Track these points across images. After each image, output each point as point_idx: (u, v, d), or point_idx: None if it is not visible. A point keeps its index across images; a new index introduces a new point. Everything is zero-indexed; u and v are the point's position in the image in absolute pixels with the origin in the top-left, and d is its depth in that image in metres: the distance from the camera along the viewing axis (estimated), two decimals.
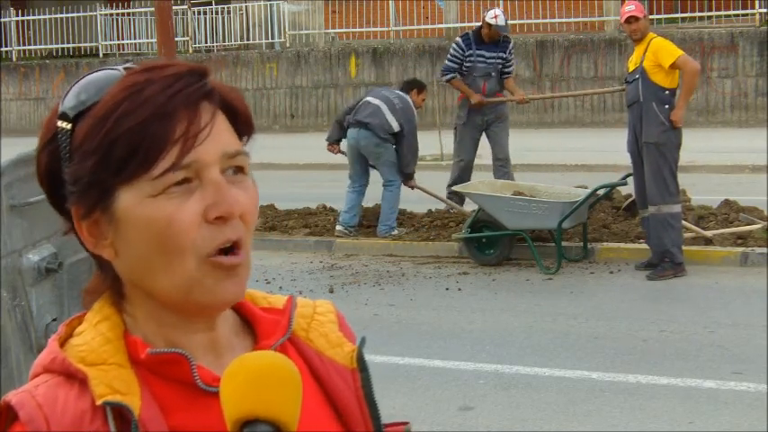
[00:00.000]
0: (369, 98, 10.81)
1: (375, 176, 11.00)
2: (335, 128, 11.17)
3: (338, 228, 10.92)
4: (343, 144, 11.10)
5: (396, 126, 10.55)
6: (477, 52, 11.33)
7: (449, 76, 11.38)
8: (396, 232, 10.77)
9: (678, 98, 9.02)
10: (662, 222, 8.97)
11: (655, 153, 8.93)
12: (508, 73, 11.55)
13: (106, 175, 1.20)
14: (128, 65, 1.26)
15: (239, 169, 1.23)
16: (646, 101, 8.95)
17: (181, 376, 1.23)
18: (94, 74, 1.25)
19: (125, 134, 1.18)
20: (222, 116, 1.23)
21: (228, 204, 1.19)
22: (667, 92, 8.93)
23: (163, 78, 1.20)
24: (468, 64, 11.30)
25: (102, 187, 1.21)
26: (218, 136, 1.20)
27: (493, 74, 11.36)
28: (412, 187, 10.90)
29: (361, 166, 10.88)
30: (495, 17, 11.29)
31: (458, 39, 11.71)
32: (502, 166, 11.55)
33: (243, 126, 1.26)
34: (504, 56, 11.49)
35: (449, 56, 11.53)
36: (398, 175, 10.73)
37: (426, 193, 11.06)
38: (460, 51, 11.36)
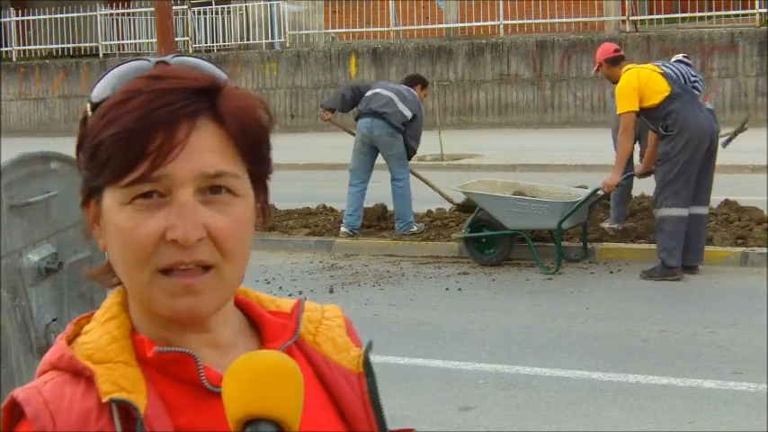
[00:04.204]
0: (379, 90, 10.84)
1: (375, 176, 11.00)
2: (338, 98, 11.19)
3: (343, 230, 10.92)
4: (338, 117, 11.34)
5: (409, 114, 10.67)
6: None
7: None
8: (415, 228, 10.75)
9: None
10: (657, 225, 8.98)
11: (658, 164, 8.93)
12: None
13: (93, 173, 1.22)
14: (166, 58, 1.27)
15: (227, 189, 1.21)
16: (641, 120, 9.06)
17: (187, 376, 1.23)
18: (133, 63, 1.27)
19: (106, 140, 1.19)
20: (214, 134, 1.21)
21: (183, 230, 1.18)
22: (651, 109, 8.87)
23: (152, 92, 1.20)
24: None
25: (91, 183, 1.23)
26: (195, 155, 1.19)
27: None
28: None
29: (368, 159, 10.88)
30: None
31: None
32: None
33: (240, 146, 1.23)
34: None
35: None
36: (406, 170, 10.79)
37: (418, 177, 11.14)
38: None
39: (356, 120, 10.89)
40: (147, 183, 1.18)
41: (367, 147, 10.81)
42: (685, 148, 8.79)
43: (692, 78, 10.14)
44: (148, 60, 1.26)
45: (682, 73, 10.02)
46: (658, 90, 8.90)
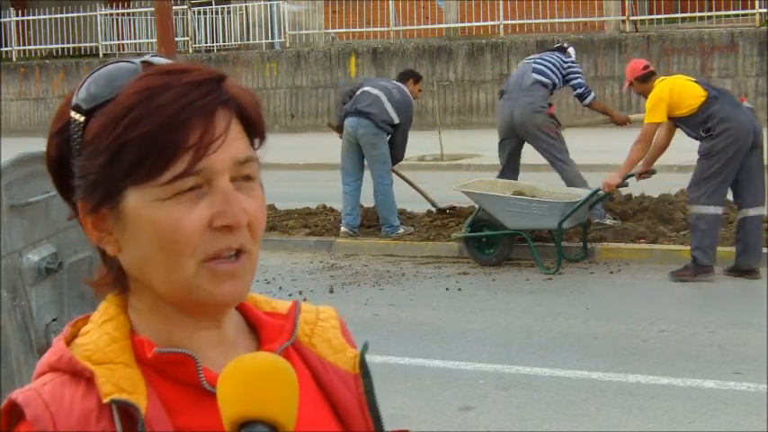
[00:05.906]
0: (367, 88, 10.77)
1: (367, 176, 10.99)
2: (340, 114, 11.09)
3: (343, 229, 10.91)
4: None
5: (395, 118, 10.60)
6: None
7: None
8: (402, 230, 10.75)
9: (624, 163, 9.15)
10: (692, 222, 8.91)
11: (701, 160, 8.88)
12: None
13: (115, 175, 1.20)
14: (146, 58, 1.26)
15: (248, 176, 1.23)
16: (683, 130, 9.00)
17: (187, 377, 1.23)
18: (110, 66, 1.25)
19: (136, 139, 1.18)
20: (236, 122, 1.23)
21: (235, 215, 1.20)
22: (690, 116, 8.81)
23: (180, 86, 1.19)
24: None
25: (109, 186, 1.21)
26: (230, 144, 1.21)
27: None
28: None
29: (358, 157, 10.86)
30: None
31: None
32: None
33: (255, 131, 1.26)
34: None
35: None
36: (389, 174, 10.77)
37: (403, 179, 11.18)
38: None
39: (343, 119, 10.85)
40: (189, 176, 1.19)
41: (354, 146, 10.79)
42: (728, 146, 8.68)
43: (566, 65, 10.40)
44: (133, 62, 1.24)
45: (553, 62, 10.30)
46: (694, 96, 8.83)
